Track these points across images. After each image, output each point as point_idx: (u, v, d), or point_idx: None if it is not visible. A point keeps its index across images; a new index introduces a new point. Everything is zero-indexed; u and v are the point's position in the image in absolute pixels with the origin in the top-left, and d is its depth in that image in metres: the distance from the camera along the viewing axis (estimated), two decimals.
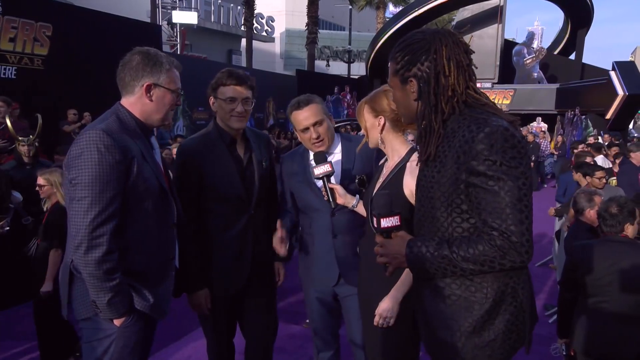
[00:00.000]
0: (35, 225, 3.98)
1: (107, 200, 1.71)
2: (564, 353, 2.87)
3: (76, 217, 1.71)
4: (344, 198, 2.24)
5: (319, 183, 2.30)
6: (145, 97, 1.87)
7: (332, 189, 2.23)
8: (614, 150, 7.68)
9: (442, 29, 1.52)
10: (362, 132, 2.11)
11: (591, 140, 11.42)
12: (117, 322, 1.80)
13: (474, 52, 1.52)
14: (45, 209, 3.55)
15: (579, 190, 3.98)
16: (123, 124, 1.85)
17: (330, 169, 2.20)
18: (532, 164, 12.31)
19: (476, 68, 1.54)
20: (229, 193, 2.34)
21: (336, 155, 2.40)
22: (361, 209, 2.23)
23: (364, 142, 2.17)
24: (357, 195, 2.27)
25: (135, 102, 1.88)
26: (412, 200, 1.88)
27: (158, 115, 1.92)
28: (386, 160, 2.11)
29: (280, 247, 2.26)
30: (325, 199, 2.24)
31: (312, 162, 2.29)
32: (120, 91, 1.91)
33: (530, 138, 12.90)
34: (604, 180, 4.71)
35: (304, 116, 2.31)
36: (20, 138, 4.70)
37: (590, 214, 3.52)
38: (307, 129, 2.32)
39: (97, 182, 1.69)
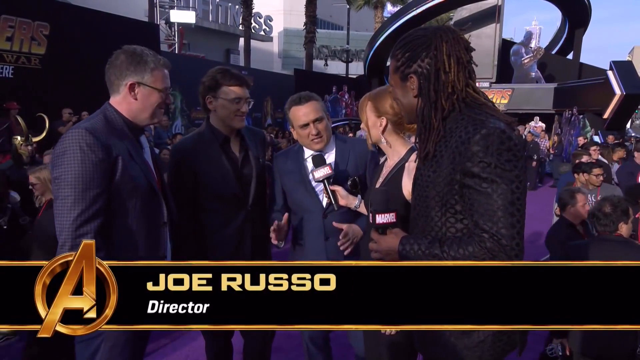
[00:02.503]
0: (32, 222, 4.00)
1: (91, 198, 1.70)
2: (560, 353, 2.89)
3: (60, 216, 1.70)
4: (346, 199, 2.23)
5: (320, 186, 2.29)
6: (129, 96, 1.86)
7: (333, 191, 2.22)
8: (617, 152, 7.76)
9: (443, 26, 1.52)
10: (362, 126, 2.10)
11: (581, 140, 11.45)
12: None
13: (474, 50, 1.51)
14: (38, 205, 3.59)
15: (564, 187, 4.01)
16: (110, 123, 1.84)
17: (330, 171, 2.20)
18: (534, 163, 12.36)
19: (476, 66, 1.53)
20: (225, 191, 2.34)
21: (330, 156, 2.39)
22: (363, 209, 2.23)
23: (368, 141, 2.14)
24: (359, 196, 2.26)
25: (121, 101, 1.88)
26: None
27: (145, 115, 1.91)
28: (386, 159, 2.12)
29: (275, 237, 2.23)
30: (328, 201, 2.23)
31: (309, 164, 2.29)
32: (109, 90, 1.91)
33: (529, 137, 12.92)
34: (602, 178, 4.73)
35: (304, 112, 2.31)
36: (21, 138, 4.72)
37: (571, 210, 3.57)
38: (306, 125, 2.31)
39: (79, 180, 1.69)
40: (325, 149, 2.38)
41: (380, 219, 1.52)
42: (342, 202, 2.23)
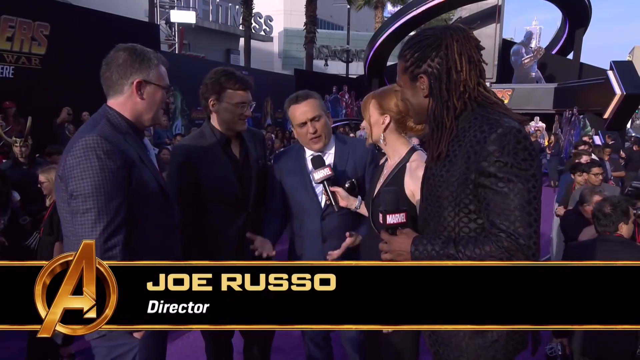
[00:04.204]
0: (34, 221, 4.01)
1: (114, 209, 1.60)
2: (560, 353, 2.90)
3: (83, 231, 1.58)
4: (346, 200, 2.23)
5: (320, 187, 2.29)
6: (135, 95, 1.76)
7: (333, 192, 2.21)
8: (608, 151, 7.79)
9: (453, 25, 1.51)
10: (364, 124, 2.10)
11: (586, 139, 11.47)
12: (138, 334, 1.69)
13: (484, 48, 1.51)
14: (47, 204, 3.64)
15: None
16: (115, 127, 1.73)
17: (330, 172, 2.19)
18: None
19: (486, 64, 1.52)
20: (226, 193, 2.34)
21: (329, 157, 2.38)
22: (364, 211, 2.23)
23: (369, 140, 2.14)
24: (359, 197, 2.26)
25: (124, 101, 1.76)
26: (413, 200, 1.89)
27: (149, 115, 1.82)
28: (386, 159, 2.12)
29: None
30: (328, 203, 2.23)
31: (310, 166, 2.29)
32: (107, 92, 1.79)
33: (532, 138, 12.91)
34: (600, 177, 4.76)
35: (301, 111, 2.30)
36: (13, 138, 4.73)
37: (586, 208, 3.74)
38: (304, 123, 2.30)
39: (101, 191, 1.58)
40: (324, 148, 2.37)
41: (391, 219, 1.50)
42: (342, 203, 2.23)
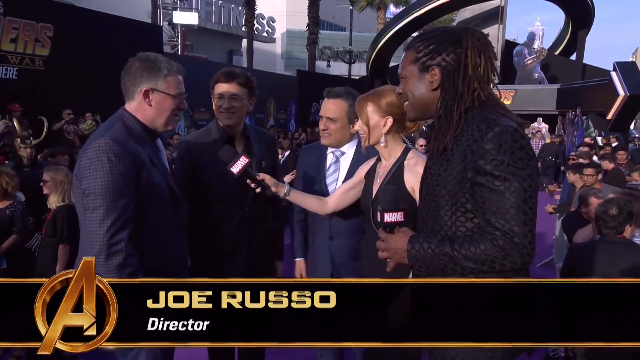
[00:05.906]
0: (36, 222, 4.02)
1: (122, 207, 1.74)
2: (563, 354, 2.89)
3: (92, 226, 1.73)
4: (275, 187, 2.16)
5: (332, 185, 2.32)
6: (144, 102, 1.88)
7: (261, 180, 2.13)
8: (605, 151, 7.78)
9: (471, 27, 1.55)
10: (357, 127, 2.08)
11: (588, 140, 11.44)
12: None
13: (496, 56, 1.54)
14: (48, 205, 3.63)
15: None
16: (129, 130, 1.87)
17: (246, 160, 2.10)
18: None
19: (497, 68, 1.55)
20: (223, 190, 2.35)
21: (348, 156, 2.42)
22: (294, 198, 2.21)
23: (365, 143, 2.11)
24: (287, 184, 2.23)
25: (137, 107, 1.90)
26: (415, 195, 1.88)
27: (160, 121, 1.93)
28: (378, 160, 2.11)
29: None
30: (258, 191, 2.15)
31: (328, 159, 2.36)
32: (125, 97, 1.94)
33: (538, 137, 12.90)
34: (592, 178, 4.78)
35: (325, 107, 2.38)
36: (19, 140, 4.74)
37: (584, 210, 3.82)
38: (322, 117, 2.38)
39: (110, 190, 1.72)
40: (340, 146, 2.40)
41: (389, 217, 1.50)
42: (273, 189, 2.16)
